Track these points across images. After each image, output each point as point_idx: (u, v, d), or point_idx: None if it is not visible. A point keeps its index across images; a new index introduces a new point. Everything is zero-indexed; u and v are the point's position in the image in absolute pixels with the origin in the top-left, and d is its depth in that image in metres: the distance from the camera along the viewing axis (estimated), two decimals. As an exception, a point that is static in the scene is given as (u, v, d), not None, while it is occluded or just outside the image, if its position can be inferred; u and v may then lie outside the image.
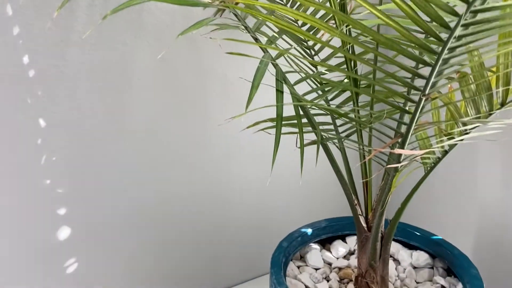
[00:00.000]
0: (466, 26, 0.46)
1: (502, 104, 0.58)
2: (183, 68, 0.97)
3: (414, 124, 0.55)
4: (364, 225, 0.79)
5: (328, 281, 0.87)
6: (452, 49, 0.48)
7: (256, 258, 1.21)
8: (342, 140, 0.74)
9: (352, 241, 0.97)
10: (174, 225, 1.07)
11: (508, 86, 0.58)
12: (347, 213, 0.99)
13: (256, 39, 0.71)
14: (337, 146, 0.79)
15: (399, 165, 0.60)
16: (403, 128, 0.59)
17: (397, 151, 0.57)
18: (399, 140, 0.58)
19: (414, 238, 0.91)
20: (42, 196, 0.89)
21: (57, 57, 0.83)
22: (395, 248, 0.93)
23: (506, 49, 0.55)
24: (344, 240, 0.97)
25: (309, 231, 0.94)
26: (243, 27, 0.71)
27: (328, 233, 0.96)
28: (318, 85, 0.79)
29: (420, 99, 0.52)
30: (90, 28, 0.83)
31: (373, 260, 0.78)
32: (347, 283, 0.87)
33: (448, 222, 1.10)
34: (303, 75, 0.75)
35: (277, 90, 0.64)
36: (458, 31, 0.46)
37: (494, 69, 0.59)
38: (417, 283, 0.86)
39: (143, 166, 0.98)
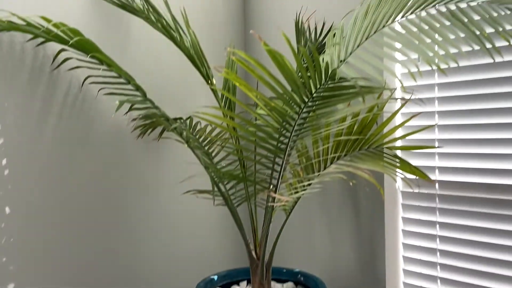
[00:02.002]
0: (297, 129, 1.06)
1: (319, 170, 1.17)
2: (118, 169, 1.41)
3: (280, 179, 1.11)
4: (255, 256, 1.26)
5: (233, 304, 1.28)
6: (295, 135, 1.07)
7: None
8: (239, 202, 1.25)
9: (243, 284, 1.40)
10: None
11: (320, 158, 1.19)
12: (241, 265, 1.45)
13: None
14: (233, 209, 1.29)
15: (274, 204, 1.13)
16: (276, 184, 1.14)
17: (272, 194, 1.11)
18: (274, 189, 1.12)
19: (283, 274, 1.40)
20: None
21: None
22: (272, 284, 1.39)
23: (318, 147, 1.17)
24: (238, 284, 1.40)
25: (216, 277, 1.36)
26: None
27: (227, 279, 1.39)
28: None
29: (283, 163, 1.09)
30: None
31: (262, 279, 1.24)
32: (245, 306, 1.29)
33: (304, 258, 1.62)
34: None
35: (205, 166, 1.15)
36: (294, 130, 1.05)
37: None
38: (288, 300, 1.32)
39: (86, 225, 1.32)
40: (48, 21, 1.03)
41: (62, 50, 1.24)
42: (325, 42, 1.51)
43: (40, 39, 1.23)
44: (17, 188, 1.20)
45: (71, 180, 1.31)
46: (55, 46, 1.26)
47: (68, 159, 1.30)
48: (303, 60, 1.11)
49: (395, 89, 0.78)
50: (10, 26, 1.07)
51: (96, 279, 1.35)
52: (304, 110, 0.90)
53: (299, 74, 0.82)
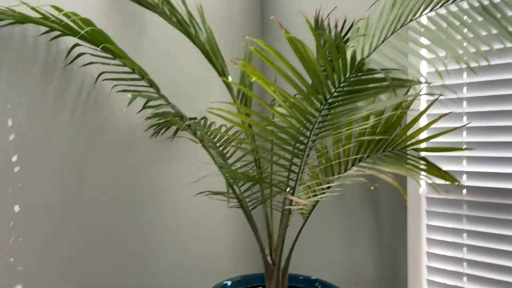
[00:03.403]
0: (319, 127, 1.00)
1: (339, 173, 1.11)
2: (129, 174, 1.37)
3: (298, 181, 1.05)
4: (270, 262, 1.20)
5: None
6: (315, 134, 1.01)
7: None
8: (256, 204, 1.19)
9: (258, 290, 1.34)
10: None
11: (341, 160, 1.13)
12: (255, 271, 1.39)
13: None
14: (248, 212, 1.23)
15: (291, 207, 1.07)
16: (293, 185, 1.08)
17: (290, 197, 1.05)
18: (291, 191, 1.06)
19: (299, 282, 1.34)
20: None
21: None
22: (288, 291, 1.33)
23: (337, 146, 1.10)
24: (252, 290, 1.35)
25: (229, 283, 1.30)
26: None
27: (242, 285, 1.33)
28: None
29: (301, 164, 1.03)
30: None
31: (277, 286, 1.17)
32: (260, 313, 1.23)
33: (321, 265, 1.55)
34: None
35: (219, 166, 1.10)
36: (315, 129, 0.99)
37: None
38: (305, 309, 1.26)
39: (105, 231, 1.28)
40: (59, 10, 0.99)
41: (76, 45, 1.21)
42: (346, 40, 1.45)
43: (54, 33, 1.20)
44: (27, 186, 1.17)
45: (82, 178, 1.27)
46: (68, 41, 1.23)
47: (80, 157, 1.27)
48: (327, 50, 1.05)
49: (430, 82, 0.72)
50: (22, 17, 1.04)
51: (105, 280, 1.30)
52: (326, 106, 0.84)
53: (322, 66, 0.77)
